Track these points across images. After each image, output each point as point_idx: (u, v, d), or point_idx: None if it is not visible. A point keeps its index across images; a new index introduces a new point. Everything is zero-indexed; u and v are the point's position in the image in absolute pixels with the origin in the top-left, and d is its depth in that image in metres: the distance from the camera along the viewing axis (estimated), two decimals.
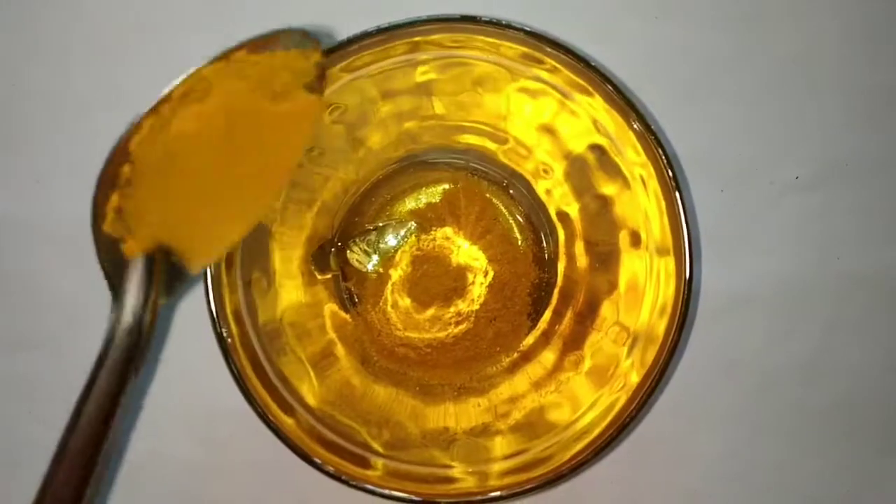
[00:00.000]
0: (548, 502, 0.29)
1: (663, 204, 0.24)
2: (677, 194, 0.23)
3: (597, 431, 0.23)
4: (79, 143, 0.29)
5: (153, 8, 0.30)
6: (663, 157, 0.23)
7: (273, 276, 0.26)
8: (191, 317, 0.28)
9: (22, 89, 0.29)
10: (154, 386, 0.30)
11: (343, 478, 0.22)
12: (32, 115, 0.30)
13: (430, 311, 0.29)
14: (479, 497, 0.22)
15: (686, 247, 0.23)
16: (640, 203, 0.25)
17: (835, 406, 0.30)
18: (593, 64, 0.22)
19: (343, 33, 0.23)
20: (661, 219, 0.24)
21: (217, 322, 0.21)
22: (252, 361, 0.23)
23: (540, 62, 0.23)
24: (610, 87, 0.22)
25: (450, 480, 0.23)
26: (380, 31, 0.23)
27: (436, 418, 0.27)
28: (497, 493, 0.22)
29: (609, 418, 0.23)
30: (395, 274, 0.29)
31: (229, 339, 0.22)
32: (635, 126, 0.23)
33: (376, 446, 0.24)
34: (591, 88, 0.23)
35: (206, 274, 0.22)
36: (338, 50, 0.23)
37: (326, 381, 0.26)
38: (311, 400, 0.24)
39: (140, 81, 0.29)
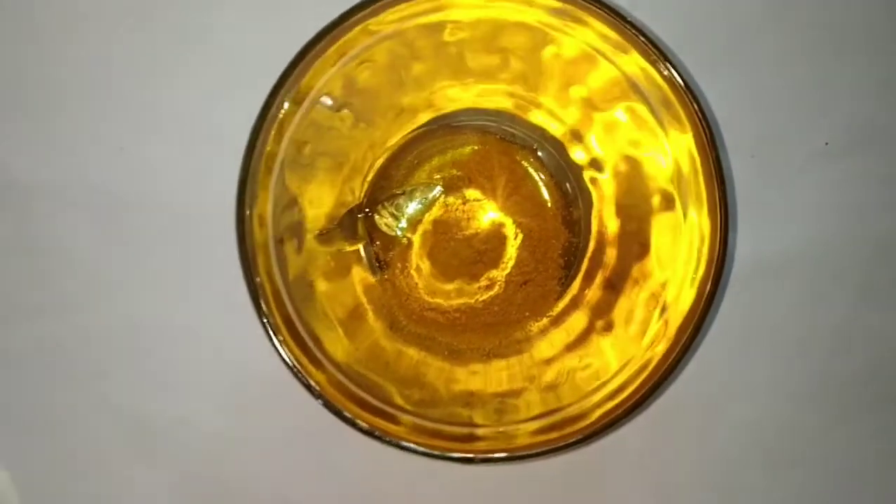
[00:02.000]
0: (576, 465, 0.29)
1: (699, 164, 0.23)
2: (713, 153, 0.23)
3: (627, 392, 0.23)
4: (104, 109, 0.29)
5: None
6: (700, 116, 0.22)
7: (304, 236, 0.26)
8: (220, 285, 0.29)
9: (48, 56, 0.30)
10: (182, 354, 0.30)
11: (376, 433, 0.22)
12: (59, 81, 0.30)
13: (459, 275, 0.29)
14: (509, 454, 0.22)
15: (721, 210, 0.23)
16: (675, 165, 0.24)
17: (865, 373, 0.30)
18: (630, 18, 0.22)
19: None
20: (697, 180, 0.24)
21: (251, 273, 0.21)
22: (283, 317, 0.23)
23: (573, 18, 0.23)
24: (647, 44, 0.22)
25: (478, 438, 0.23)
26: None
27: (465, 381, 0.27)
28: (525, 451, 0.22)
29: (639, 380, 0.23)
30: (424, 238, 0.29)
31: (261, 290, 0.22)
32: (674, 79, 0.22)
33: (404, 404, 0.24)
34: (628, 45, 0.23)
35: (239, 230, 0.22)
36: (369, 5, 0.22)
37: (356, 340, 0.26)
38: (340, 356, 0.24)
39: (165, 49, 0.29)
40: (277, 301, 0.23)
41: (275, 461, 0.30)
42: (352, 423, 0.22)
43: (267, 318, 0.22)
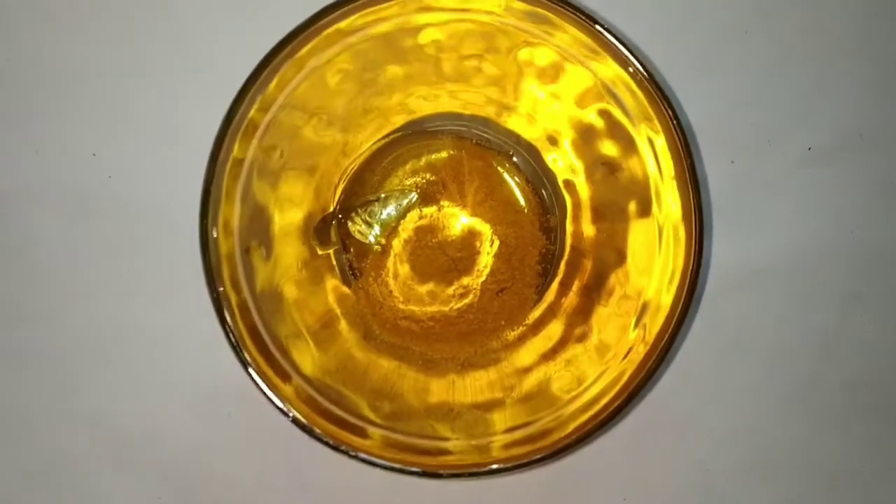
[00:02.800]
0: (554, 477, 0.29)
1: (673, 171, 0.23)
2: (688, 159, 0.22)
3: (602, 403, 0.23)
4: (78, 113, 0.29)
5: None
6: (674, 121, 0.22)
7: (272, 244, 0.25)
8: (192, 292, 0.28)
9: (19, 60, 0.29)
10: (154, 363, 0.29)
11: (342, 448, 0.21)
12: (30, 86, 0.29)
13: (433, 284, 0.28)
14: (479, 469, 0.22)
15: (696, 215, 0.22)
16: (650, 171, 0.24)
17: (850, 382, 0.29)
18: (603, 24, 0.21)
19: None
20: (672, 187, 0.23)
21: (213, 285, 0.21)
22: (249, 328, 0.22)
23: (548, 23, 0.23)
24: (621, 48, 0.22)
25: (450, 453, 0.23)
26: None
27: (439, 392, 0.26)
28: (497, 466, 0.22)
29: (615, 390, 0.23)
30: (398, 245, 0.28)
31: (226, 303, 0.21)
32: (646, 86, 0.22)
33: (375, 417, 0.24)
34: (601, 50, 0.22)
35: (202, 239, 0.21)
36: (341, 7, 0.22)
37: (328, 351, 0.25)
38: (309, 369, 0.24)
39: (138, 54, 0.29)
40: (243, 312, 0.22)
41: (247, 471, 0.29)
42: (319, 439, 0.21)
43: (231, 330, 0.21)
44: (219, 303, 0.21)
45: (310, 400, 0.23)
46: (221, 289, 0.21)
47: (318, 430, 0.21)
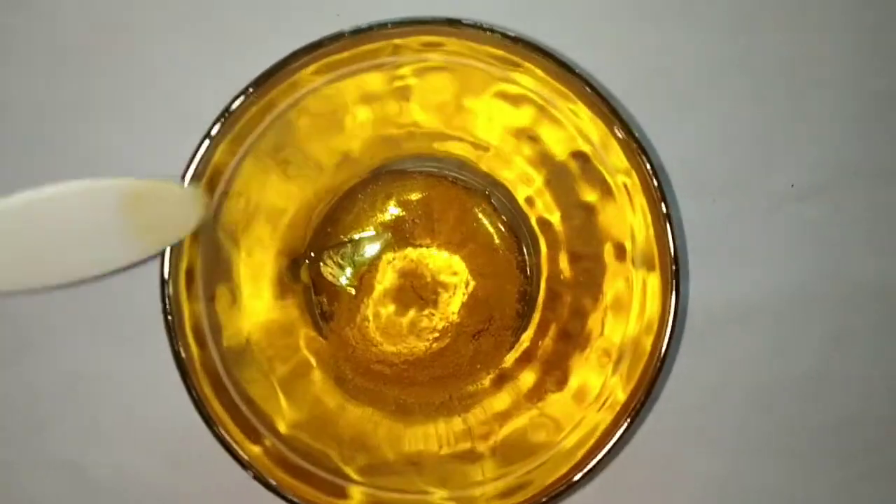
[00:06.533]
0: None
1: (649, 216, 0.23)
2: (662, 205, 0.22)
3: (581, 453, 0.22)
4: (59, 149, 0.28)
5: (126, 9, 0.28)
6: (647, 166, 0.22)
7: (239, 291, 0.24)
8: (159, 334, 0.27)
9: (8, 94, 0.28)
10: (120, 404, 0.28)
11: None
12: (20, 120, 0.28)
13: (407, 327, 0.27)
14: None
15: (672, 260, 0.22)
16: (625, 214, 0.24)
17: (836, 425, 0.29)
18: (576, 70, 0.21)
19: (315, 34, 0.22)
20: (647, 231, 0.23)
21: (174, 341, 0.20)
22: (214, 383, 0.21)
23: (521, 67, 0.22)
24: (592, 93, 0.21)
25: None
26: (354, 32, 0.21)
27: (414, 440, 0.25)
28: None
29: (594, 439, 0.22)
30: (370, 288, 0.28)
31: (187, 359, 0.20)
32: (618, 133, 0.22)
33: (351, 473, 0.23)
34: (573, 95, 0.22)
35: (162, 289, 0.20)
36: (310, 52, 0.21)
37: (297, 401, 0.24)
38: (280, 425, 0.23)
39: (109, 91, 0.28)
40: (207, 366, 0.21)
41: None
42: (288, 500, 0.20)
43: (194, 389, 0.20)
44: (180, 362, 0.20)
45: (280, 458, 0.22)
46: (183, 350, 0.20)
47: (287, 493, 0.20)
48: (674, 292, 0.22)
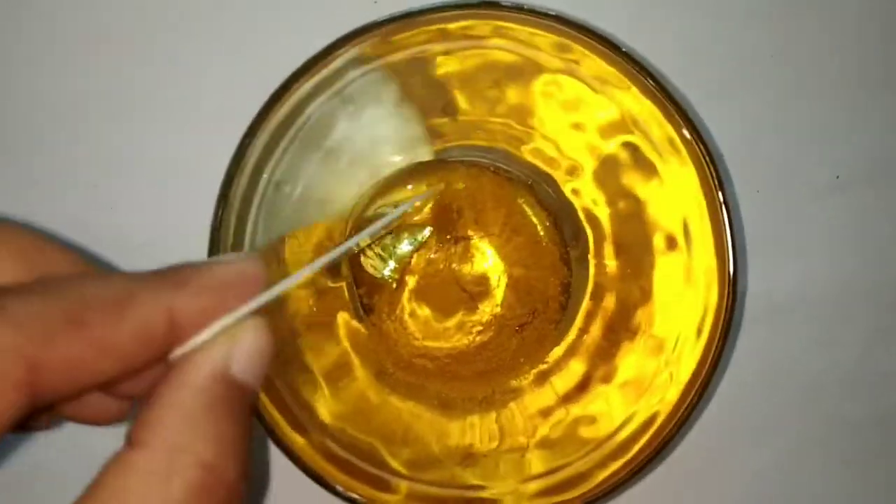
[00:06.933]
0: None
1: (703, 204, 0.22)
2: (720, 193, 0.21)
3: (633, 451, 0.22)
4: (77, 146, 0.28)
5: (146, 8, 0.28)
6: (705, 154, 0.21)
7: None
8: None
9: (22, 95, 0.28)
10: None
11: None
12: (34, 120, 0.28)
13: (449, 320, 0.27)
14: None
15: (730, 249, 0.21)
16: (678, 204, 0.23)
17: (880, 419, 0.28)
18: (630, 53, 0.21)
19: (357, 22, 0.21)
20: (701, 220, 0.22)
21: None
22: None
23: (570, 52, 0.22)
24: (648, 79, 0.21)
25: (480, 502, 0.22)
26: (395, 18, 0.21)
27: (458, 434, 0.25)
28: None
29: (649, 434, 0.22)
30: (412, 280, 0.27)
31: None
32: (675, 122, 0.21)
33: (397, 466, 0.22)
34: (627, 80, 0.21)
35: None
36: (352, 39, 0.21)
37: (341, 393, 0.24)
38: (324, 415, 0.22)
39: (142, 88, 0.28)
40: None
41: None
42: (336, 493, 0.20)
43: None
44: None
45: (326, 450, 0.22)
46: None
47: (336, 485, 0.20)
48: (731, 283, 0.21)
